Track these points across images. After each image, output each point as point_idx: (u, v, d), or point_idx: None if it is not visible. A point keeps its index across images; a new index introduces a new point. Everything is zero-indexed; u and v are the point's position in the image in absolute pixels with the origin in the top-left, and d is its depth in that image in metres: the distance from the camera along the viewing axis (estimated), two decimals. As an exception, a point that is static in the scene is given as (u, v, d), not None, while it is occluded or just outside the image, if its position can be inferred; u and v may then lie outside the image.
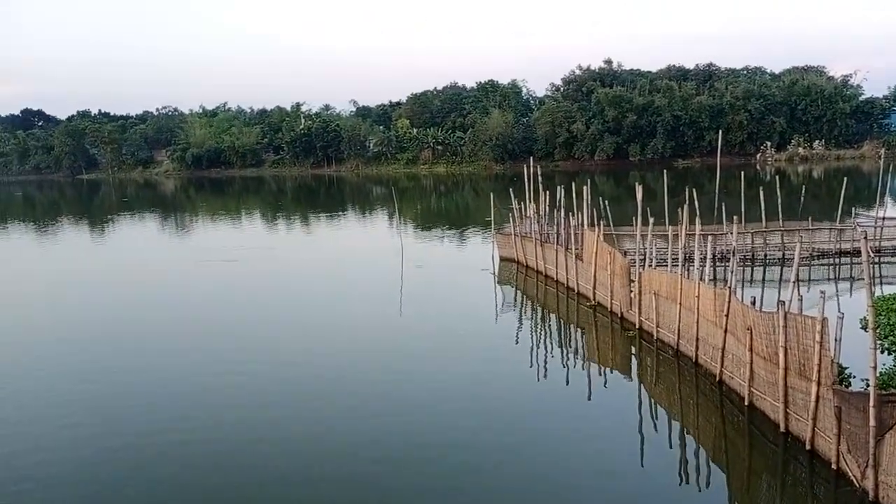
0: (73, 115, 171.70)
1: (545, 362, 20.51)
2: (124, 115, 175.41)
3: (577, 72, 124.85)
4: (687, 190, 27.61)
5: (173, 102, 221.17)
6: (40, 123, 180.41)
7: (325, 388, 18.66)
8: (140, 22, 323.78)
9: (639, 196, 24.54)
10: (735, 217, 25.83)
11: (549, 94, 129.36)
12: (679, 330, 19.40)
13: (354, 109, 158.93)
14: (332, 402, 17.70)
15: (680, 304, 18.97)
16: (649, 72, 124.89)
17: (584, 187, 28.21)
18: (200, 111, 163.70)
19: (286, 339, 23.46)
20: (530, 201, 32.27)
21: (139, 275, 37.27)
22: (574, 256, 27.20)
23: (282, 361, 20.94)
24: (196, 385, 19.25)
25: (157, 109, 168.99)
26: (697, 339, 18.36)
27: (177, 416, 17.05)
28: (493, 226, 37.35)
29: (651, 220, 23.21)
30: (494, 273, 33.12)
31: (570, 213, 28.32)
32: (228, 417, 16.82)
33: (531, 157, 41.41)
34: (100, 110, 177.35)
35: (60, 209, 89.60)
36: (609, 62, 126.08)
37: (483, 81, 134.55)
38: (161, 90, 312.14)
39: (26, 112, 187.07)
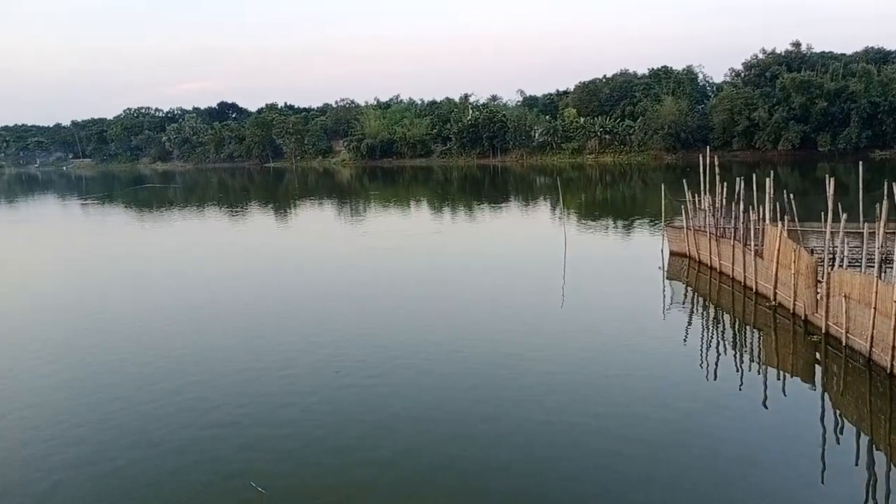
0: (262, 108, 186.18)
1: (716, 363, 19.57)
2: (307, 107, 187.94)
3: (760, 56, 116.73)
4: (886, 183, 24.97)
5: (350, 95, 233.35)
6: (234, 115, 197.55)
7: (486, 379, 18.96)
8: (322, 20, 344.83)
9: (829, 189, 22.49)
10: (946, 215, 23.07)
11: (727, 79, 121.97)
12: (872, 337, 17.77)
13: (521, 99, 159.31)
14: (493, 392, 17.99)
15: (875, 308, 17.35)
16: (843, 54, 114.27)
17: (767, 179, 26.31)
18: (375, 103, 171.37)
19: (450, 327, 24.11)
20: (705, 193, 30.69)
21: (314, 258, 39.89)
22: (753, 253, 25.62)
23: (448, 349, 21.60)
24: (361, 364, 20.33)
25: (336, 102, 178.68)
26: (894, 348, 16.72)
27: (368, 394, 18.17)
28: (663, 219, 35.99)
29: (843, 216, 21.30)
30: (663, 268, 31.95)
31: (750, 207, 26.63)
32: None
33: (706, 147, 39.39)
34: (285, 103, 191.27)
35: (250, 194, 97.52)
36: (797, 44, 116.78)
37: (656, 68, 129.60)
38: (340, 83, 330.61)
39: (222, 105, 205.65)
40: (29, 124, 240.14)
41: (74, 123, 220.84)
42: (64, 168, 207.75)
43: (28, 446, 15.67)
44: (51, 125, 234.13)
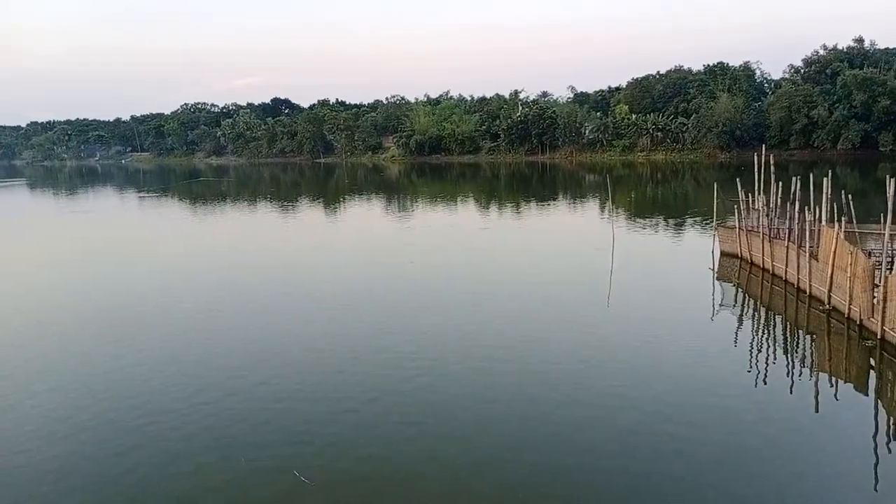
0: (314, 104, 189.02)
1: (766, 368, 19.13)
2: (357, 103, 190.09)
3: (821, 52, 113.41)
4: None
5: (401, 91, 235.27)
6: (286, 111, 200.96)
7: (530, 379, 18.90)
8: (373, 17, 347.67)
9: (890, 190, 21.69)
10: None
11: (786, 76, 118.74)
12: (932, 344, 17.13)
13: (572, 95, 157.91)
14: (536, 393, 17.92)
15: (935, 315, 16.72)
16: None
17: (824, 179, 25.55)
18: (425, 100, 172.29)
19: (494, 325, 24.08)
20: (759, 193, 29.97)
21: (360, 255, 40.33)
22: (808, 255, 24.95)
23: (492, 346, 21.60)
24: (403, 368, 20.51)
25: (387, 98, 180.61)
26: (955, 356, 16.09)
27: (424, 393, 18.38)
28: (714, 218, 35.30)
29: (903, 218, 20.59)
30: (713, 268, 31.34)
31: (806, 208, 25.93)
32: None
33: (762, 145, 38.48)
34: (337, 99, 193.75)
35: (301, 189, 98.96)
36: (860, 40, 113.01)
37: (711, 64, 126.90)
38: (390, 80, 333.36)
39: (276, 101, 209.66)
40: (90, 119, 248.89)
41: (133, 118, 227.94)
42: (123, 161, 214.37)
43: (107, 434, 16.29)
44: (111, 120, 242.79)
